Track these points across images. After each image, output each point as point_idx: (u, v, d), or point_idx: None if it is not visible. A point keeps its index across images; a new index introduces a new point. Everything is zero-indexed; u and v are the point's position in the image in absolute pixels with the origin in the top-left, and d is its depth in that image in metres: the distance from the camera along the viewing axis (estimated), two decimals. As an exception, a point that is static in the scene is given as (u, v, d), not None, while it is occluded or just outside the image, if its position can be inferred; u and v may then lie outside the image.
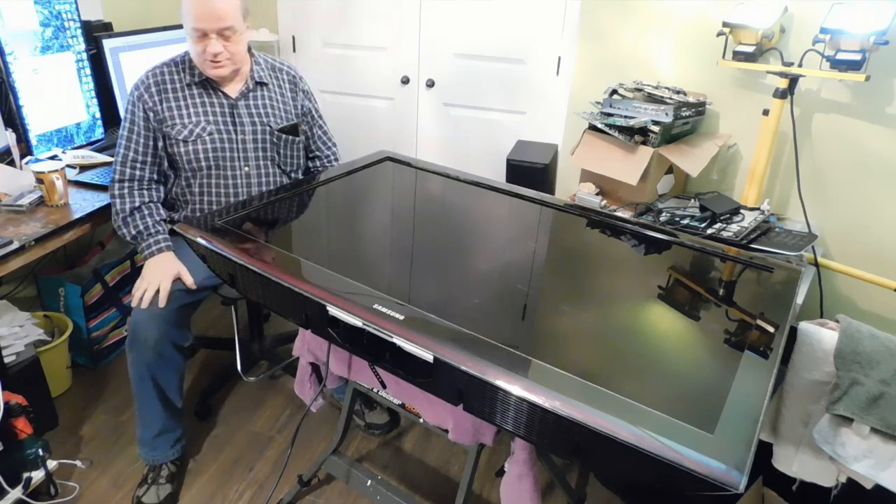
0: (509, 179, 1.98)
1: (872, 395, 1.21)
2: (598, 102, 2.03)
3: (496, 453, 1.88)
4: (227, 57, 1.61)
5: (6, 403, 1.51)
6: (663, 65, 2.10)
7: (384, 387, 1.37)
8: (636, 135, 1.89)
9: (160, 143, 1.69)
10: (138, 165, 1.67)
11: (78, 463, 1.79)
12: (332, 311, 1.09)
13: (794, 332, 1.30)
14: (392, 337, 1.02)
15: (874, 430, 1.21)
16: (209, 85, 1.70)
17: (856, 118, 1.85)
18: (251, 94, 1.74)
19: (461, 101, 2.57)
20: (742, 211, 1.80)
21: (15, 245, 1.50)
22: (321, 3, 2.63)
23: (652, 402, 0.88)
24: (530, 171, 1.98)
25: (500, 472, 1.54)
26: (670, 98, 1.89)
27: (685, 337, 1.16)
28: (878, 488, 1.24)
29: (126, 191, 1.66)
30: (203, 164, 1.70)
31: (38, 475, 1.61)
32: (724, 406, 0.89)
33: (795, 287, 1.26)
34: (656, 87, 1.97)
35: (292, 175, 1.86)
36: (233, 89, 1.72)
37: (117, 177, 1.67)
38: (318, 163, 1.95)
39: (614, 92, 2.00)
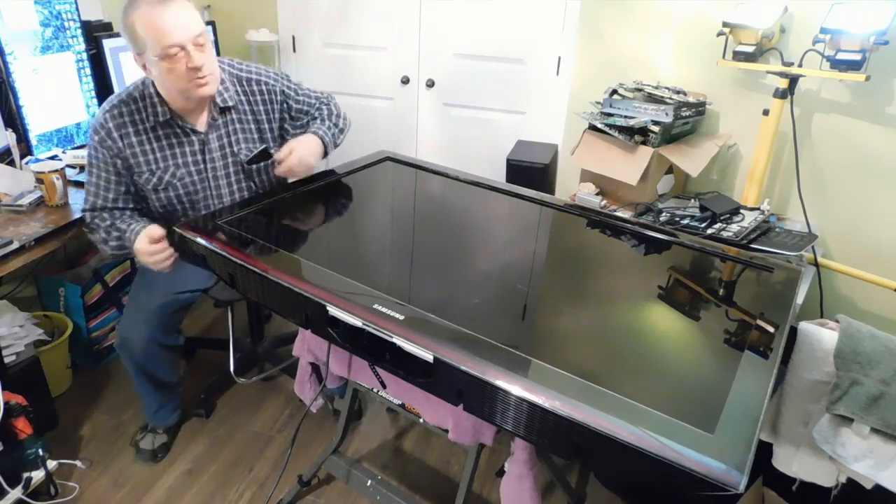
0: (509, 179, 1.98)
1: (872, 395, 1.21)
2: (598, 102, 2.03)
3: (496, 453, 1.88)
4: (209, 71, 1.45)
5: (6, 403, 1.51)
6: (663, 65, 2.10)
7: (384, 387, 1.37)
8: (636, 135, 1.89)
9: (131, 188, 1.58)
10: (108, 206, 1.56)
11: (78, 463, 1.79)
12: (332, 311, 1.09)
13: (794, 332, 1.30)
14: (392, 337, 1.02)
15: (874, 430, 1.21)
16: (176, 123, 1.54)
17: (856, 118, 1.85)
18: (220, 123, 1.58)
19: (461, 101, 2.57)
20: (742, 211, 1.80)
21: (15, 245, 1.50)
22: (321, 3, 2.63)
23: (652, 402, 0.88)
24: (530, 171, 1.98)
25: (500, 472, 1.54)
26: (670, 98, 1.89)
27: (685, 337, 1.16)
28: (878, 488, 1.24)
29: (99, 219, 1.55)
30: (178, 207, 1.61)
31: (38, 475, 1.61)
32: (724, 406, 0.89)
33: (795, 287, 1.26)
34: (656, 87, 1.97)
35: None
36: (201, 121, 1.56)
37: (87, 219, 1.56)
38: (309, 115, 1.77)
39: (614, 92, 2.00)
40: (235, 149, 1.62)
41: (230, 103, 1.58)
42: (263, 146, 1.66)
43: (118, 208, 1.58)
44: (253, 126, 1.64)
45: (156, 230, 1.46)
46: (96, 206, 1.56)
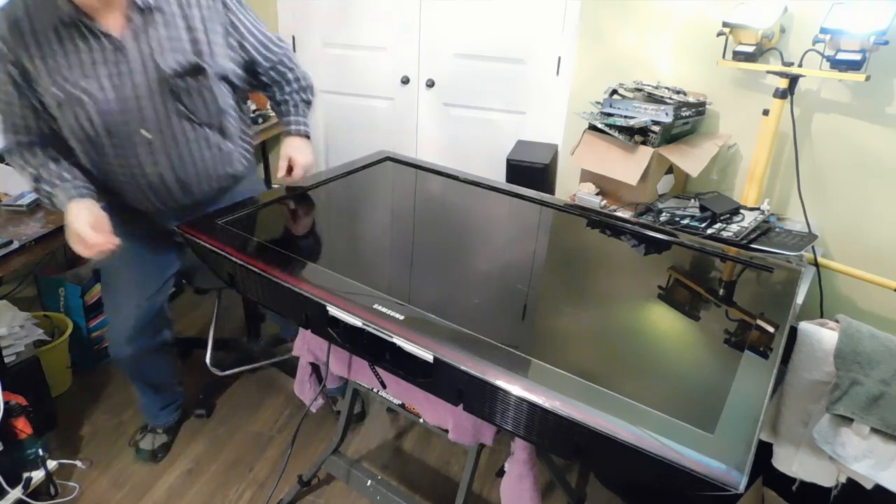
0: (509, 179, 1.98)
1: (872, 395, 1.21)
2: (598, 102, 2.03)
3: (496, 453, 1.88)
4: None
5: (6, 403, 1.52)
6: (663, 65, 2.10)
7: (384, 387, 1.37)
8: (636, 135, 1.89)
9: (41, 111, 1.32)
10: (21, 131, 1.33)
11: (78, 463, 1.79)
12: (332, 311, 1.09)
13: (794, 332, 1.30)
14: (392, 337, 1.02)
15: (874, 430, 1.21)
16: (82, 23, 1.23)
17: (856, 118, 1.85)
18: (139, 27, 1.28)
19: (461, 101, 2.57)
20: (742, 211, 1.80)
21: (15, 245, 1.50)
22: (321, 3, 2.63)
23: (652, 402, 0.88)
24: (530, 171, 1.98)
25: (500, 472, 1.54)
26: (670, 98, 1.89)
27: (685, 337, 1.16)
28: (878, 488, 1.24)
29: (21, 160, 1.35)
30: (90, 133, 1.31)
31: (38, 475, 1.61)
32: (724, 406, 0.89)
33: (795, 287, 1.26)
34: (656, 87, 1.97)
35: (213, 125, 1.43)
36: (114, 24, 1.26)
37: (6, 148, 1.35)
38: (270, 76, 1.54)
39: (614, 92, 2.00)
40: (159, 60, 1.29)
41: (152, 2, 1.28)
42: (196, 61, 1.33)
43: (34, 143, 1.34)
44: (185, 35, 1.32)
45: (89, 234, 1.25)
46: (8, 129, 1.34)
